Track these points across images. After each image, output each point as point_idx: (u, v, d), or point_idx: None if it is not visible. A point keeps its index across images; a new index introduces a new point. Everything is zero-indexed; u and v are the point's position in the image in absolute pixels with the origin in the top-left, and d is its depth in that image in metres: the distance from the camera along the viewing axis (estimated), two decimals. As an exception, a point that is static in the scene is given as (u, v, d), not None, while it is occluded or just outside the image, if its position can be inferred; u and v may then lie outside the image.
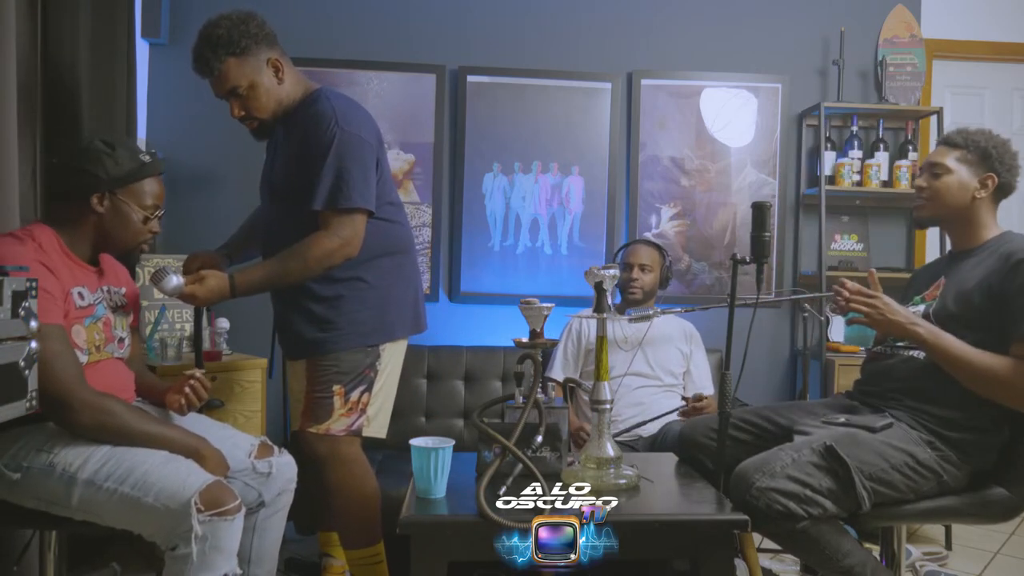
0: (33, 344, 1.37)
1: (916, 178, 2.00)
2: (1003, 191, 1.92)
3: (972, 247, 1.92)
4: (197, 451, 1.66)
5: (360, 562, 2.03)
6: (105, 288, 1.82)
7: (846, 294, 1.84)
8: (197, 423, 1.88)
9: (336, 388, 1.96)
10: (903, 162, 3.26)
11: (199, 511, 1.50)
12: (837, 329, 3.28)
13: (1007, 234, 1.91)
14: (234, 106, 1.97)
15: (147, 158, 1.79)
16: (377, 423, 2.07)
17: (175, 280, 1.82)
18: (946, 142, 1.96)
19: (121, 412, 1.63)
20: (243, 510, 1.60)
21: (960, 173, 1.90)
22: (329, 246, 1.88)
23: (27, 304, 1.36)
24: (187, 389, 1.79)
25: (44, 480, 1.58)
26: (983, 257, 1.86)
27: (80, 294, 1.72)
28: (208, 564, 1.53)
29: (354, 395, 1.98)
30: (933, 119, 3.29)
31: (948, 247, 2.06)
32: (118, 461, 1.58)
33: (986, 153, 1.89)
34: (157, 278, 1.81)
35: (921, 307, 1.91)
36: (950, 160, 1.92)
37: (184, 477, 1.56)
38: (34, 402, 1.38)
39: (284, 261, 1.90)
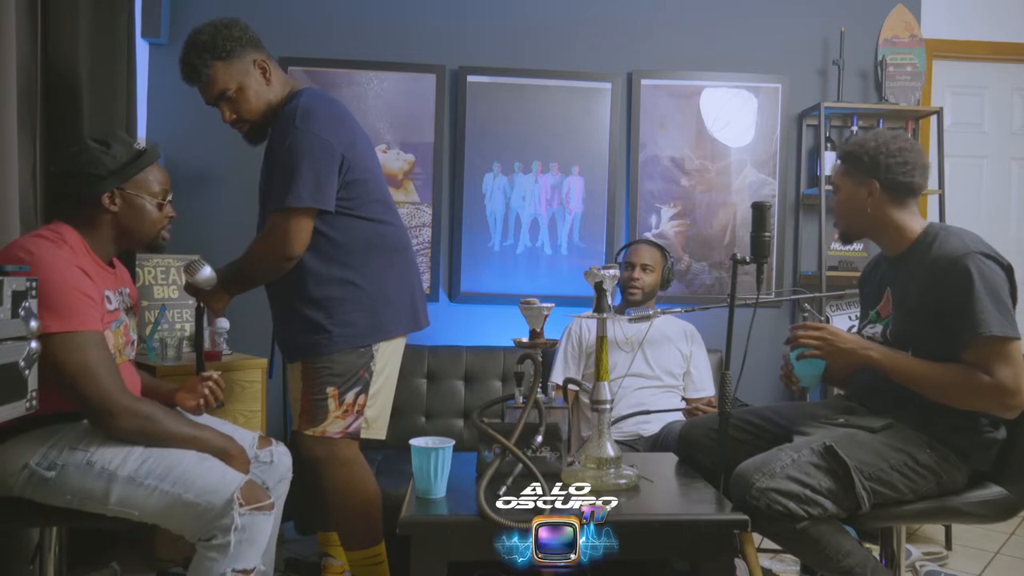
0: (33, 344, 1.38)
1: None
2: (899, 190, 1.85)
3: (900, 252, 1.89)
4: (226, 451, 1.72)
5: (361, 563, 2.03)
6: (119, 290, 1.84)
7: (800, 332, 1.83)
8: (201, 420, 1.89)
9: (330, 390, 1.96)
10: (903, 162, 3.26)
11: (240, 505, 1.57)
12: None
13: (929, 230, 1.85)
14: (225, 110, 1.99)
15: (141, 146, 1.81)
16: (377, 425, 2.07)
17: (208, 270, 1.88)
18: (837, 156, 1.95)
19: (161, 417, 1.68)
20: (275, 507, 1.68)
21: (846, 187, 1.89)
22: (260, 248, 1.94)
23: (27, 304, 1.36)
24: (206, 391, 1.84)
25: (81, 478, 1.60)
26: (915, 267, 1.83)
27: (108, 298, 1.74)
28: (241, 555, 1.58)
29: (349, 397, 1.98)
30: (933, 119, 3.29)
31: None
32: (157, 460, 1.63)
33: (859, 160, 1.85)
34: (192, 270, 1.87)
35: (879, 326, 1.91)
36: (837, 176, 1.91)
37: (222, 475, 1.63)
38: (34, 402, 1.39)
39: (239, 261, 1.98)
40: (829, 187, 3.21)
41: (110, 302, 1.74)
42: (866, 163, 1.85)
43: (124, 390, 1.64)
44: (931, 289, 1.76)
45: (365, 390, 2.00)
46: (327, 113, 1.96)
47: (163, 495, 1.60)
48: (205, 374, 1.87)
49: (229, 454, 1.72)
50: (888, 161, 1.83)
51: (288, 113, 1.93)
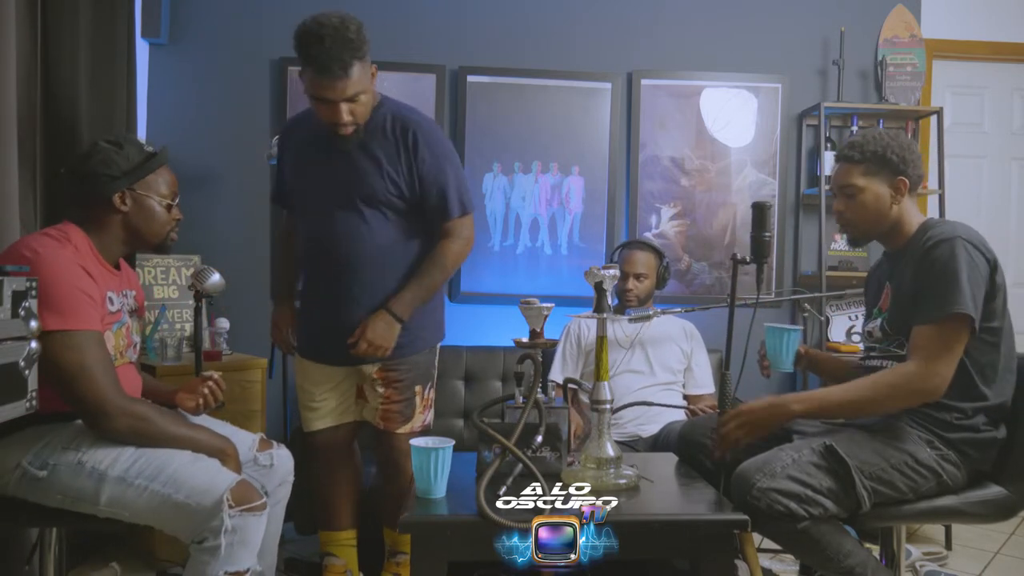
0: (33, 344, 1.38)
1: (833, 202, 1.94)
2: (916, 184, 1.89)
3: (899, 246, 1.89)
4: (223, 451, 1.71)
5: None
6: (124, 292, 1.84)
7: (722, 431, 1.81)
8: (199, 421, 1.88)
9: (417, 388, 2.12)
10: (903, 162, 3.26)
11: (230, 507, 1.56)
12: (837, 329, 3.28)
13: (927, 223, 1.87)
14: (344, 111, 1.88)
15: (152, 148, 1.83)
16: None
17: (217, 276, 1.89)
18: (846, 159, 1.90)
19: (155, 418, 1.67)
20: (268, 507, 1.65)
21: (872, 187, 1.86)
22: (461, 250, 2.06)
23: (27, 304, 1.36)
24: (205, 390, 1.83)
25: (72, 477, 1.60)
26: (910, 256, 1.83)
27: (111, 299, 1.74)
28: (234, 557, 1.57)
29: (429, 393, 2.15)
30: (933, 119, 3.29)
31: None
32: (148, 460, 1.62)
33: (886, 159, 1.85)
34: (202, 277, 1.87)
35: (879, 320, 1.92)
36: (858, 178, 1.87)
37: (213, 475, 1.62)
38: (34, 402, 1.39)
39: (429, 275, 2.03)
40: (829, 187, 3.22)
41: (112, 303, 1.74)
42: (895, 161, 1.84)
43: (120, 391, 1.64)
44: (918, 271, 1.77)
45: (433, 385, 2.18)
46: None
47: (153, 495, 1.59)
48: (205, 374, 1.86)
49: (226, 454, 1.71)
50: (910, 156, 1.86)
51: (420, 123, 2.01)
